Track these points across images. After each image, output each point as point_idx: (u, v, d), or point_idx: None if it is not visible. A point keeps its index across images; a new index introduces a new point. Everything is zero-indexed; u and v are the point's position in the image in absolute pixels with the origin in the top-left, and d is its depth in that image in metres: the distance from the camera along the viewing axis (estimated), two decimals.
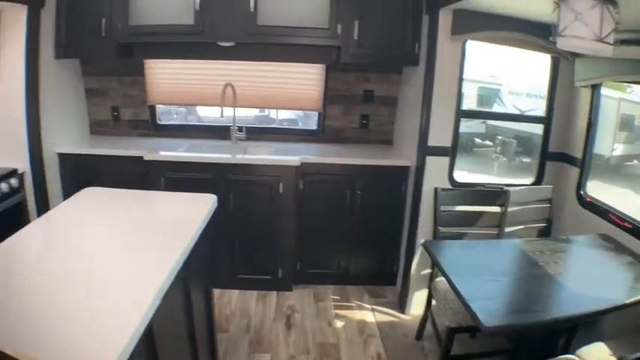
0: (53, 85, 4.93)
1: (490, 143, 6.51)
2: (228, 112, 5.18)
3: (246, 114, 5.66)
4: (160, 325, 2.05)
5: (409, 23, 4.44)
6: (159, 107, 5.82)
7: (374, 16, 4.44)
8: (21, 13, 4.36)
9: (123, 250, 2.49)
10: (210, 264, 3.41)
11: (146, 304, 1.88)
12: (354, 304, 4.58)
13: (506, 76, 6.17)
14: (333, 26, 4.44)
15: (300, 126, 6.10)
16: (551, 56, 4.28)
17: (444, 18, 3.95)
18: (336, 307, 4.52)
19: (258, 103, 5.48)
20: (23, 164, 4.56)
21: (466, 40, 4.03)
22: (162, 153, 4.74)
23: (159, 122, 5.83)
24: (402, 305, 4.52)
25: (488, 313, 2.46)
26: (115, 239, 2.66)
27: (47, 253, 2.60)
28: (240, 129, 5.32)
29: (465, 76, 4.13)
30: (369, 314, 4.42)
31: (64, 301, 1.95)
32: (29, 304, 1.94)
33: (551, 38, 2.82)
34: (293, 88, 5.28)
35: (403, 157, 4.72)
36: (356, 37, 4.45)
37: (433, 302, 3.75)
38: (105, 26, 4.74)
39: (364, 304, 4.58)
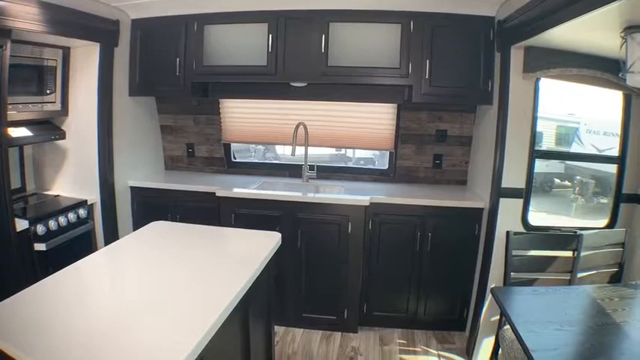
0: (128, 122, 5.11)
1: (569, 184, 6.32)
2: (301, 150, 5.22)
3: (322, 152, 5.67)
4: (212, 358, 2.07)
5: (481, 61, 4.37)
6: (236, 144, 5.92)
7: (445, 55, 4.40)
8: (93, 50, 4.53)
9: (182, 282, 2.55)
10: (272, 301, 3.41)
11: (199, 336, 1.92)
12: (420, 350, 4.46)
13: (584, 114, 5.99)
14: (404, 65, 4.42)
15: (377, 165, 6.05)
16: (623, 93, 4.14)
17: (516, 55, 3.89)
18: (402, 352, 4.40)
19: (329, 142, 5.47)
20: (94, 196, 4.71)
21: (539, 78, 3.94)
22: (234, 190, 4.79)
23: (233, 160, 5.92)
24: (469, 353, 4.39)
25: None
26: (175, 272, 2.72)
27: (107, 280, 2.72)
28: (311, 167, 5.33)
29: (542, 114, 4.03)
30: None
31: (118, 326, 2.03)
32: (84, 328, 2.01)
33: (620, 74, 2.73)
34: (364, 128, 5.27)
35: (477, 198, 4.61)
36: (427, 76, 4.41)
37: (500, 351, 3.64)
38: (179, 66, 4.87)
39: (431, 350, 4.45)
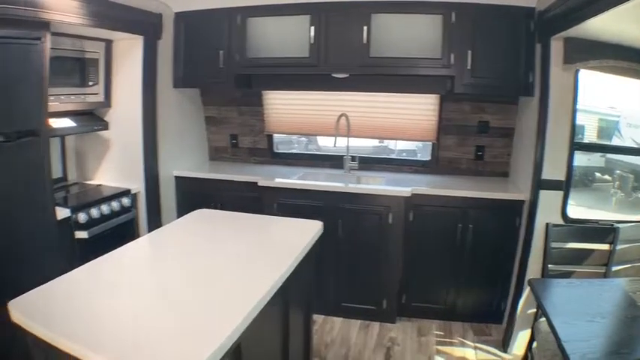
0: (173, 113, 5.21)
1: (609, 178, 6.24)
2: (342, 141, 5.24)
3: (365, 144, 5.68)
4: (250, 343, 2.10)
5: (522, 52, 4.32)
6: (280, 135, 5.99)
7: (486, 46, 4.37)
8: (136, 43, 4.61)
9: (223, 268, 2.60)
10: (312, 289, 3.43)
11: (237, 321, 1.95)
12: (456, 341, 4.45)
13: (624, 108, 5.91)
14: (446, 56, 4.41)
15: (418, 157, 6.03)
16: None
17: (556, 47, 3.84)
18: (438, 343, 4.40)
19: (371, 133, 5.48)
20: (138, 185, 4.81)
21: (578, 70, 3.89)
22: (277, 180, 4.85)
23: (275, 150, 5.97)
24: (505, 345, 4.35)
25: (581, 356, 2.37)
26: (217, 258, 2.77)
27: (149, 265, 2.80)
28: (353, 158, 5.35)
29: (583, 107, 3.99)
30: (471, 352, 4.29)
31: (159, 309, 2.10)
32: (125, 312, 2.07)
33: None
34: (406, 119, 5.25)
35: (518, 190, 4.55)
36: (469, 67, 4.38)
37: (534, 344, 3.62)
38: (223, 58, 4.94)
39: (467, 342, 4.44)
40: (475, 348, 4.30)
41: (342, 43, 4.59)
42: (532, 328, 3.67)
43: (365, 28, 4.47)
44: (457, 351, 4.28)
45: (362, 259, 4.67)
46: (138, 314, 2.05)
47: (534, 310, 3.76)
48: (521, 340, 4.16)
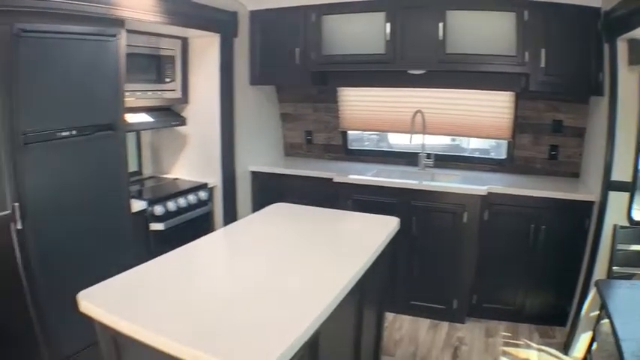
0: (249, 109, 5.30)
1: None
2: (417, 139, 5.21)
3: (437, 142, 5.62)
4: (326, 336, 2.11)
5: (592, 51, 4.21)
6: (351, 133, 5.98)
7: (558, 44, 4.27)
8: (213, 41, 4.72)
9: (301, 261, 2.63)
10: (386, 286, 3.43)
11: (315, 313, 1.96)
12: (522, 343, 4.37)
13: None
14: (521, 54, 4.33)
15: (491, 155, 5.92)
16: None
17: (622, 47, 3.74)
18: (505, 345, 4.33)
19: (447, 130, 5.41)
20: (215, 179, 4.93)
21: None
22: (351, 176, 4.86)
23: (350, 147, 5.98)
24: (566, 347, 4.24)
25: (631, 353, 2.32)
26: (295, 250, 2.81)
27: (229, 256, 2.89)
28: (428, 156, 5.31)
29: None
30: (534, 354, 4.20)
31: (237, 299, 2.14)
32: (202, 301, 2.12)
33: None
34: (482, 116, 5.17)
35: (588, 191, 4.41)
36: (543, 65, 4.29)
37: (594, 345, 3.57)
38: (299, 56, 4.99)
39: (532, 344, 4.36)
40: (539, 350, 4.22)
41: (418, 40, 4.56)
42: (594, 329, 3.62)
43: (441, 24, 4.43)
44: (522, 353, 4.20)
45: (434, 257, 4.62)
46: (215, 303, 2.10)
47: (598, 312, 3.68)
48: (582, 342, 4.05)
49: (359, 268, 2.47)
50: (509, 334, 4.46)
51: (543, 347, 4.26)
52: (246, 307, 2.05)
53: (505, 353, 4.16)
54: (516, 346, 4.29)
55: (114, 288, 2.21)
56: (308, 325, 1.86)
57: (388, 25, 4.59)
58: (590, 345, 3.67)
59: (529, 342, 4.35)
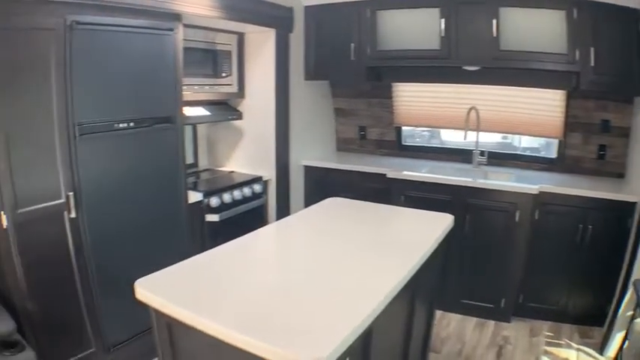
0: (303, 104, 5.35)
1: None
2: (470, 136, 5.19)
3: (488, 140, 5.58)
4: (379, 330, 2.12)
5: (635, 52, 4.16)
6: (404, 129, 5.99)
7: (606, 43, 4.22)
8: (268, 36, 4.78)
9: (356, 255, 2.64)
10: (438, 284, 3.44)
11: (370, 307, 1.98)
12: (563, 342, 4.34)
13: None
14: (572, 52, 4.28)
15: (541, 154, 5.85)
16: None
17: None
18: (547, 344, 4.31)
19: (500, 127, 5.39)
20: (269, 173, 5.02)
21: None
22: (405, 172, 4.86)
23: (403, 143, 5.99)
24: (602, 347, 4.20)
25: None
26: (350, 244, 2.82)
27: (285, 248, 2.96)
28: (482, 153, 5.29)
29: None
30: (573, 354, 4.18)
31: (291, 291, 2.17)
32: (257, 292, 2.17)
33: None
34: (534, 114, 5.12)
35: (631, 191, 4.34)
36: (592, 64, 4.25)
37: (626, 344, 3.56)
38: (354, 51, 5.02)
39: (572, 344, 4.33)
40: (577, 350, 4.19)
41: (473, 36, 4.54)
42: (627, 328, 3.61)
43: (494, 21, 4.41)
44: (562, 353, 4.17)
45: (485, 256, 4.60)
46: (269, 293, 2.15)
47: (632, 312, 3.66)
48: (616, 342, 4.02)
49: (413, 265, 2.48)
50: (552, 334, 4.43)
51: (582, 347, 4.24)
52: (299, 298, 2.09)
53: (547, 353, 4.14)
54: (558, 345, 4.27)
55: (170, 276, 2.27)
56: (363, 319, 1.88)
57: (443, 21, 4.58)
58: (623, 344, 3.66)
59: (570, 342, 4.33)
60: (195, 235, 4.18)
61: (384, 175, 4.91)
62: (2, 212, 2.84)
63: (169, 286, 2.18)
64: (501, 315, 4.64)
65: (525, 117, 5.14)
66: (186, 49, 3.94)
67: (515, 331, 4.49)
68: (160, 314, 2.09)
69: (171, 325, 2.08)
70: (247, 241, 2.85)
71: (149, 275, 2.24)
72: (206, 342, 1.89)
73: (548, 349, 4.22)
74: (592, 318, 4.51)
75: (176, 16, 3.68)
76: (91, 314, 3.40)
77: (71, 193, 3.15)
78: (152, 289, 2.11)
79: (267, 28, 4.69)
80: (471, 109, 5.07)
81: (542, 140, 5.42)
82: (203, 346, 1.99)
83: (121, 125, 3.38)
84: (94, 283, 3.39)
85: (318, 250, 2.73)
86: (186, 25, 3.87)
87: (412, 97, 5.67)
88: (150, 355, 3.81)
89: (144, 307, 2.17)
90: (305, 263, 2.52)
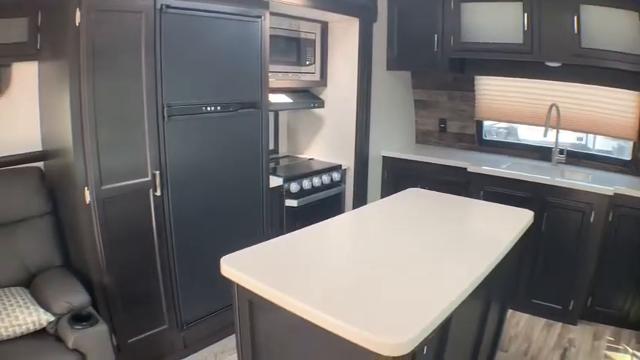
0: (384, 95, 5.36)
1: None
2: (549, 133, 5.10)
3: (563, 139, 5.47)
4: (456, 322, 2.14)
5: None
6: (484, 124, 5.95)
7: None
8: (352, 25, 4.82)
9: (436, 246, 2.66)
10: (513, 281, 3.46)
11: (451, 297, 1.99)
12: (621, 347, 4.27)
13: None
14: None
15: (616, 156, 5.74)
16: None
17: None
18: (608, 349, 4.25)
19: (578, 126, 5.27)
20: (348, 161, 5.06)
21: None
22: (485, 167, 4.84)
23: (484, 137, 5.95)
24: None
25: None
26: (430, 234, 2.85)
27: (364, 234, 2.96)
28: (561, 152, 5.20)
29: None
30: (628, 359, 4.15)
31: (369, 276, 2.21)
32: (336, 275, 2.24)
33: None
34: (612, 114, 4.99)
35: None
36: None
37: None
38: (437, 42, 5.01)
39: (629, 349, 4.26)
40: (632, 356, 4.14)
41: (554, 32, 4.48)
42: None
43: (575, 17, 4.34)
44: (620, 357, 4.13)
45: (559, 256, 4.53)
46: (347, 277, 2.21)
47: None
48: None
49: (493, 259, 2.47)
50: (613, 339, 4.36)
51: (637, 353, 4.19)
52: (379, 284, 2.11)
53: (606, 357, 4.09)
54: (617, 350, 4.20)
55: (254, 255, 2.35)
56: (442, 310, 1.89)
57: (525, 16, 4.54)
58: None
59: (627, 347, 4.26)
60: (274, 219, 4.27)
61: (464, 168, 4.90)
62: (86, 188, 2.96)
63: (253, 264, 2.25)
64: (569, 317, 4.56)
65: (601, 116, 5.03)
66: (272, 37, 4.00)
67: (580, 334, 4.43)
68: (242, 291, 2.16)
69: (253, 302, 2.15)
70: (328, 226, 2.91)
71: (234, 253, 2.32)
72: (286, 320, 1.95)
73: (609, 353, 4.17)
74: None
75: (264, 4, 3.76)
76: (168, 291, 3.52)
77: (157, 172, 3.25)
78: (237, 266, 2.19)
79: (351, 17, 4.72)
80: (552, 106, 4.97)
81: (615, 143, 5.31)
82: (283, 324, 2.07)
83: (207, 109, 3.49)
84: (174, 261, 3.50)
85: (398, 238, 2.75)
86: (272, 13, 3.93)
87: (494, 91, 5.62)
88: (220, 335, 3.96)
89: (220, 287, 2.26)
90: (385, 251, 2.54)
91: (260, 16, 3.71)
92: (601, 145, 5.43)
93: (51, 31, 3.06)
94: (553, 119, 5.02)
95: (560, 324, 4.58)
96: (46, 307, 2.74)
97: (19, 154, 3.33)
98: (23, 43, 3.12)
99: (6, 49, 3.07)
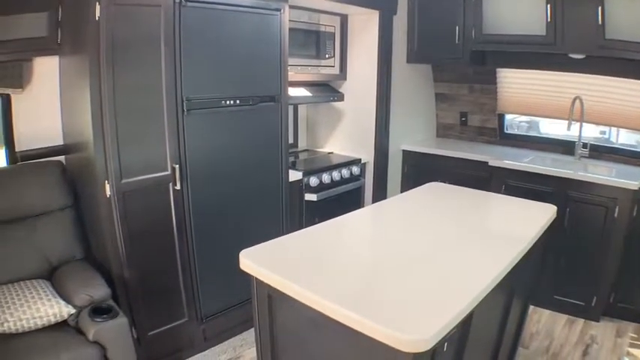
0: (404, 88, 5.33)
1: None
2: (572, 127, 5.05)
3: (586, 134, 5.42)
4: (477, 320, 2.11)
5: None
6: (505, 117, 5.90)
7: None
8: (372, 18, 4.79)
9: (458, 241, 2.64)
10: (535, 277, 3.41)
11: (473, 293, 1.97)
12: None
13: None
14: None
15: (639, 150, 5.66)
16: None
17: None
18: (631, 345, 4.20)
19: (602, 119, 5.18)
20: (368, 156, 5.05)
21: None
22: (507, 161, 4.79)
23: (505, 131, 5.89)
24: None
25: None
26: (452, 229, 2.82)
27: (384, 229, 2.94)
28: (584, 145, 5.14)
29: None
30: None
31: (389, 272, 2.21)
32: (356, 269, 2.23)
33: None
34: (635, 107, 4.88)
35: None
36: None
37: None
38: (459, 34, 4.97)
39: None
40: None
41: (578, 23, 4.42)
42: None
43: (599, 8, 4.26)
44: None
45: (582, 252, 4.47)
46: (368, 272, 2.21)
47: None
48: None
49: (515, 255, 2.44)
50: (636, 336, 4.32)
51: None
52: (398, 278, 2.11)
53: (629, 354, 4.05)
54: (638, 347, 4.18)
55: (273, 249, 2.35)
56: (463, 307, 1.88)
57: (548, 7, 4.48)
58: None
59: None
60: (293, 213, 4.27)
61: (486, 162, 4.85)
62: (107, 181, 2.98)
63: (273, 258, 2.25)
64: (591, 313, 4.51)
65: (626, 109, 4.95)
66: (291, 30, 3.99)
67: (602, 330, 4.39)
68: (261, 285, 2.16)
69: (272, 296, 2.14)
70: (347, 220, 2.90)
71: (253, 247, 2.32)
72: (305, 314, 1.95)
73: (631, 350, 4.13)
74: None
75: None
76: (188, 285, 3.53)
77: (177, 166, 3.27)
78: (256, 260, 2.18)
79: (371, 10, 4.70)
80: (575, 98, 4.92)
81: (639, 136, 5.25)
82: (301, 319, 2.06)
83: (227, 102, 3.49)
84: (193, 254, 3.51)
85: (419, 233, 2.73)
86: (291, 7, 3.91)
87: (516, 84, 5.55)
88: (239, 329, 3.97)
89: (240, 280, 2.26)
90: (405, 246, 2.52)
91: (279, 9, 3.70)
92: (624, 138, 5.35)
93: (71, 26, 3.09)
94: (576, 112, 4.95)
95: (583, 320, 4.52)
96: (67, 300, 2.76)
97: (40, 148, 3.36)
98: (44, 37, 3.15)
99: (27, 43, 3.10)
